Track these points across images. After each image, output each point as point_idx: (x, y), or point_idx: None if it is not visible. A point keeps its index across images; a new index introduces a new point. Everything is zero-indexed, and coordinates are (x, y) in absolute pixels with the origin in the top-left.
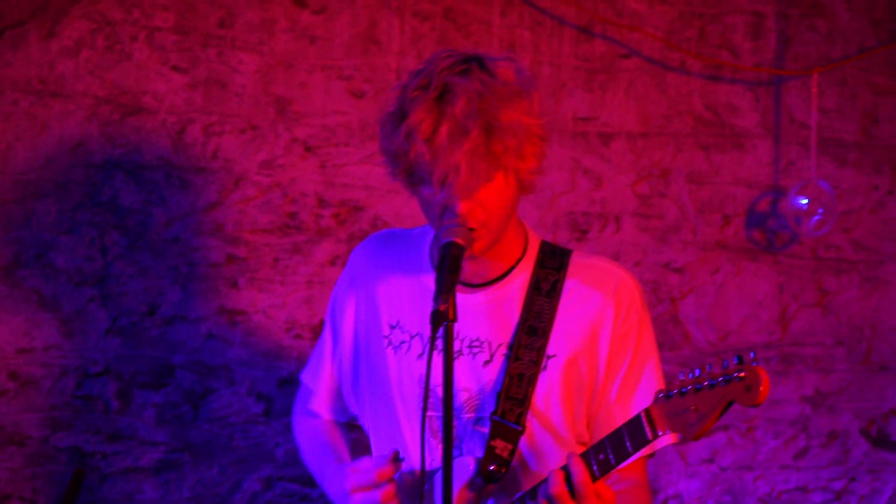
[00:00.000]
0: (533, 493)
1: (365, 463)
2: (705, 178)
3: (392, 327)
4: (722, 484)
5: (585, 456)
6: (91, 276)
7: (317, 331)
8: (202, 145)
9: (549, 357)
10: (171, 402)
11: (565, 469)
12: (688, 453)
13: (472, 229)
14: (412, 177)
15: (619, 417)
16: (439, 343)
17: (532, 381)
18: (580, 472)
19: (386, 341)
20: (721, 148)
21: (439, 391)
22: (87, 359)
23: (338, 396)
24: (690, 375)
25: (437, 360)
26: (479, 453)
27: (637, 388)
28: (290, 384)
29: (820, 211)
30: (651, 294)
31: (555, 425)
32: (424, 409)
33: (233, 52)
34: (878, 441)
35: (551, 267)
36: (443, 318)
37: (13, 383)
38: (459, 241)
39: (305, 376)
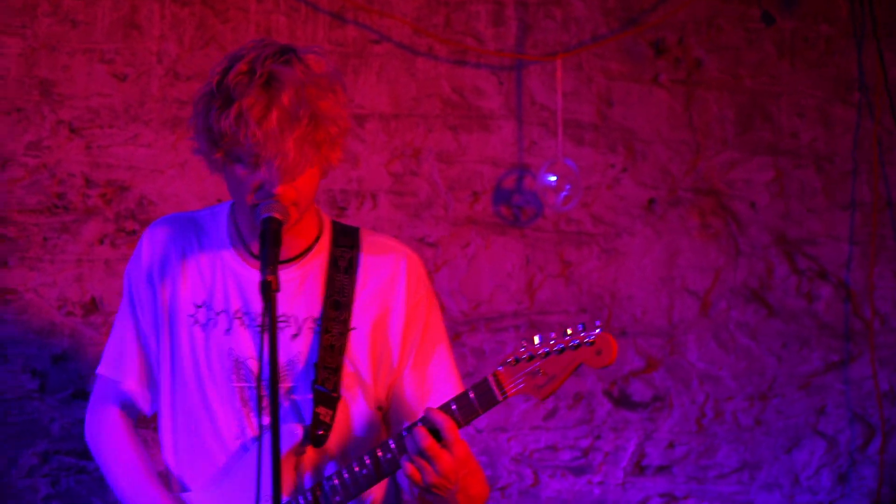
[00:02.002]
0: (394, 446)
1: None
2: (454, 157)
3: (197, 306)
4: (478, 445)
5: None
6: None
7: (88, 308)
8: None
9: (352, 329)
10: None
11: (424, 423)
12: None
13: (287, 204)
14: (229, 155)
15: (416, 383)
16: (248, 318)
17: (342, 352)
18: (446, 419)
19: (192, 320)
20: (468, 129)
21: (250, 364)
22: None
23: (151, 381)
24: (536, 343)
25: (245, 333)
26: (292, 420)
27: (432, 356)
28: (63, 360)
29: (567, 187)
30: None
31: (362, 391)
32: (256, 383)
33: None
34: (619, 401)
35: (345, 245)
36: (270, 289)
37: None
38: (277, 215)
39: (106, 370)
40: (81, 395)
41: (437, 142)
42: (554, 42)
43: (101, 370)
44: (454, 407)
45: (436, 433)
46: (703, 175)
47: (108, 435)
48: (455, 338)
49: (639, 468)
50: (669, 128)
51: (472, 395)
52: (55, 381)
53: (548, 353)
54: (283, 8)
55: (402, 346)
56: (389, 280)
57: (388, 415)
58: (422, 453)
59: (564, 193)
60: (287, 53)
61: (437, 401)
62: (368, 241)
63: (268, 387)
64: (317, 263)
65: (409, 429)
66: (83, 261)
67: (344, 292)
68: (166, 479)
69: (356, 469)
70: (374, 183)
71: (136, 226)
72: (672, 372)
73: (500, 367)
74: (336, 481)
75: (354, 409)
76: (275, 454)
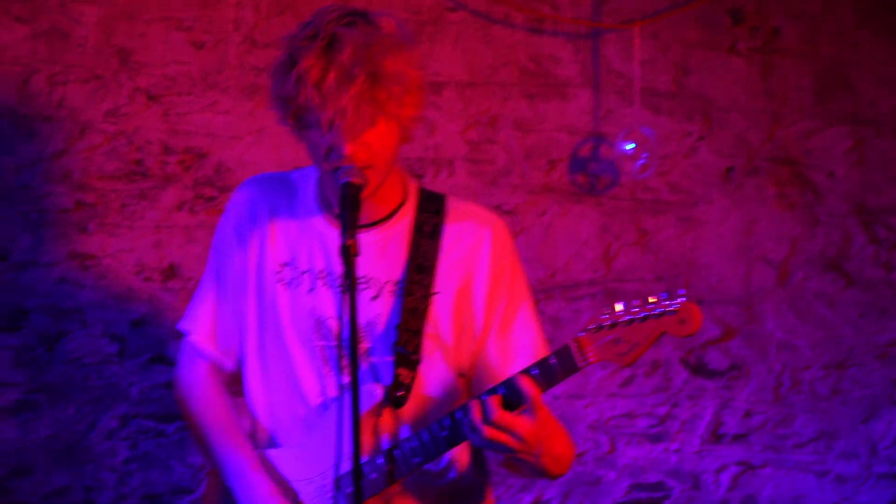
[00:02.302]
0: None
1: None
2: (531, 125)
3: (282, 265)
4: (555, 411)
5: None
6: None
7: (166, 274)
8: (47, 95)
9: (434, 294)
10: (27, 344)
11: (506, 387)
12: None
13: (364, 168)
14: (300, 121)
15: (499, 350)
16: (330, 279)
17: (424, 315)
18: (529, 385)
19: (276, 278)
20: (545, 97)
21: (331, 323)
22: None
23: (227, 337)
24: (618, 310)
25: (328, 293)
26: (369, 380)
27: (516, 322)
28: (142, 325)
29: (644, 155)
30: None
31: (443, 355)
32: (336, 342)
33: (74, 4)
34: (696, 369)
35: (431, 210)
36: (350, 253)
37: None
38: (356, 180)
39: (187, 325)
40: (160, 359)
41: (514, 109)
42: (631, 10)
43: (184, 326)
44: (535, 372)
45: (513, 402)
46: (781, 144)
47: (196, 393)
48: None
49: (715, 436)
50: (747, 96)
51: (553, 360)
52: (134, 345)
53: (630, 321)
54: None
55: (486, 313)
56: (474, 247)
57: (473, 383)
58: (496, 423)
59: (641, 161)
60: (353, 16)
61: (520, 367)
62: (454, 207)
63: (347, 347)
64: (400, 228)
65: (489, 392)
66: (161, 227)
67: (427, 257)
68: (253, 436)
69: (436, 431)
70: (450, 150)
71: (215, 192)
72: (749, 341)
73: (582, 334)
74: (415, 442)
75: (435, 371)
76: (354, 413)
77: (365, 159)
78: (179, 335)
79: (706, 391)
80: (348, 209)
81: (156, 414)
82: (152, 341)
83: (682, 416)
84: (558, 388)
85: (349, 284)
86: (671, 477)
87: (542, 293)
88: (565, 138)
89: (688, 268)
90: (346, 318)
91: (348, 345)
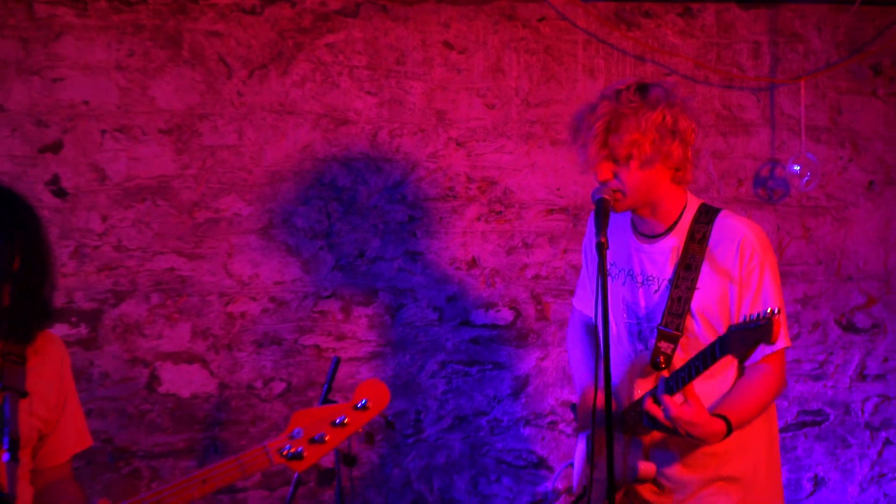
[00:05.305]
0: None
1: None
2: (724, 154)
3: (611, 264)
4: None
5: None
6: (320, 233)
7: (469, 264)
8: (388, 143)
9: (697, 289)
10: (377, 313)
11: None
12: None
13: (615, 191)
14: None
15: (743, 310)
16: (632, 275)
17: (687, 302)
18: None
19: (610, 272)
20: (734, 134)
21: (632, 307)
22: (320, 287)
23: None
24: None
25: (631, 286)
26: (647, 349)
27: (757, 289)
28: (454, 300)
29: (808, 174)
30: None
31: (699, 330)
32: (603, 322)
33: (406, 81)
34: (846, 328)
35: (703, 222)
36: (603, 248)
37: (273, 304)
38: (606, 196)
39: (577, 303)
40: (465, 323)
41: (712, 144)
42: (797, 69)
43: (575, 303)
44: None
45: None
46: None
47: (572, 342)
48: None
49: (861, 376)
50: (885, 128)
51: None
52: (448, 313)
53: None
54: (602, 53)
55: (738, 301)
56: (730, 254)
57: None
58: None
59: (806, 178)
60: (627, 88)
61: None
62: (721, 220)
63: (643, 322)
64: (674, 239)
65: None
66: (466, 232)
67: (695, 258)
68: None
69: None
70: None
71: (502, 208)
72: (887, 307)
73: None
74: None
75: (692, 344)
76: (606, 372)
77: (616, 186)
78: (479, 306)
79: (854, 343)
80: (601, 217)
81: (463, 360)
82: (460, 311)
83: (836, 361)
84: None
85: (602, 274)
86: (828, 406)
87: None
88: (749, 163)
89: (840, 254)
90: (641, 302)
91: (645, 321)
